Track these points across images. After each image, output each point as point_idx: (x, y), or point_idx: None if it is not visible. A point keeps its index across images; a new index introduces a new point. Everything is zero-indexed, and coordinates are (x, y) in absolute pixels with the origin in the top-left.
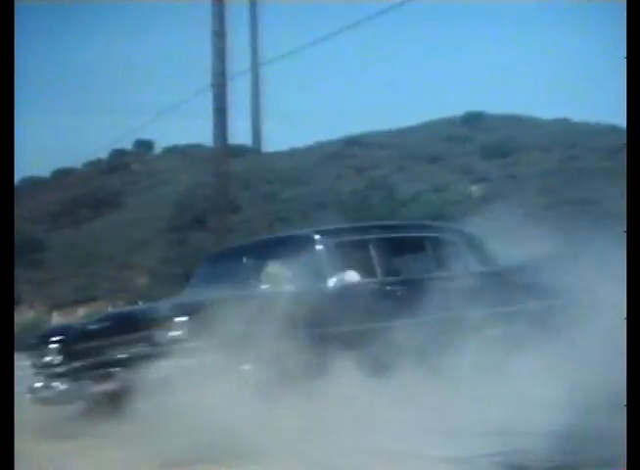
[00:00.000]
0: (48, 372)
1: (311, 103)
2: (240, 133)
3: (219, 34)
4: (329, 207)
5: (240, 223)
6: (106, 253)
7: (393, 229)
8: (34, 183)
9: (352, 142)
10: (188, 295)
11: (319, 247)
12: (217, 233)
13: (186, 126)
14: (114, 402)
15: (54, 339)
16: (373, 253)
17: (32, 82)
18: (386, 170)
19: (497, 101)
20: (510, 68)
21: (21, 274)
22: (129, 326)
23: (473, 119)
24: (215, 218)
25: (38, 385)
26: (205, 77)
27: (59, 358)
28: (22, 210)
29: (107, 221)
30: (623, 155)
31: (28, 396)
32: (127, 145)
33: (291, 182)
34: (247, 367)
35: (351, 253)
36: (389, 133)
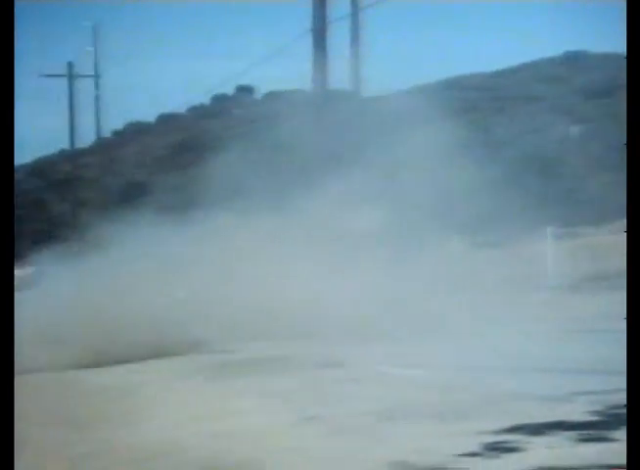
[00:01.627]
0: None
1: (410, 47)
2: (340, 78)
3: None
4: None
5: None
6: (210, 196)
7: None
8: (140, 128)
9: (450, 85)
10: None
11: None
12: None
13: (287, 72)
14: None
15: None
16: None
17: (140, 28)
18: (485, 112)
19: (597, 39)
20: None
21: (127, 216)
22: None
23: (572, 59)
24: (314, 163)
25: None
26: (306, 22)
27: None
28: (128, 154)
29: (209, 165)
30: None
31: None
32: (229, 90)
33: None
34: None
35: None
36: (488, 75)
